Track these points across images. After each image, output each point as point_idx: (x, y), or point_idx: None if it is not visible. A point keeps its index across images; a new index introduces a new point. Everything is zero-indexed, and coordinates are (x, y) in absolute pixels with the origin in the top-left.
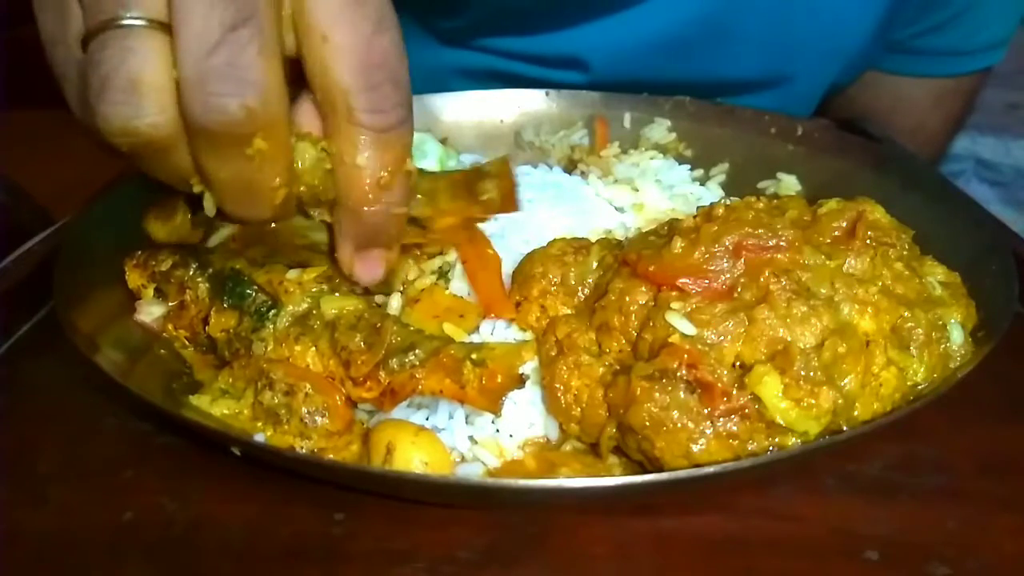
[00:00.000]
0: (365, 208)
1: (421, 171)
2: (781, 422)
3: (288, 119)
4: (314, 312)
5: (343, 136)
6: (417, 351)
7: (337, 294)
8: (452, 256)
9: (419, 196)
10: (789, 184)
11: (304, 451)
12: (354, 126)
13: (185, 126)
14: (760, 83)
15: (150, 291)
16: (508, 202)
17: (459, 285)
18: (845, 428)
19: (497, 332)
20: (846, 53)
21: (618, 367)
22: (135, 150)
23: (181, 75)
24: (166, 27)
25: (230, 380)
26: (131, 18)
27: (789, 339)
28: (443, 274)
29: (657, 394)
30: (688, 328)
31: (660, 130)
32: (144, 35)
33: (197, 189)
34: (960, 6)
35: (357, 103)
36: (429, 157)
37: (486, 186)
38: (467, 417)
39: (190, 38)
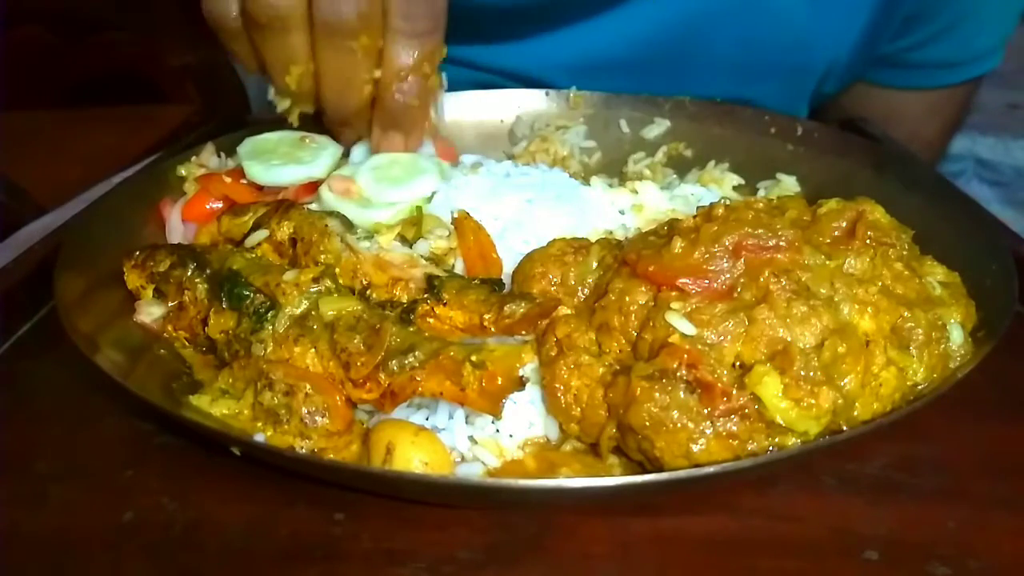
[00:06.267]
0: (387, 96)
1: (464, 278)
2: (781, 422)
3: (381, 25)
4: (313, 313)
5: (386, 37)
6: (417, 353)
7: (336, 295)
8: (453, 258)
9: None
10: (789, 184)
11: (304, 451)
12: (390, 30)
13: (310, 18)
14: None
15: (149, 291)
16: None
17: None
18: (845, 428)
19: None
20: (813, 70)
21: (618, 367)
22: (271, 23)
23: None
24: None
25: (230, 380)
26: None
27: (789, 339)
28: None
29: (657, 394)
30: (688, 328)
31: (660, 130)
32: None
33: (291, 77)
34: (950, 19)
35: (394, 10)
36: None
37: (514, 306)
38: (467, 417)
39: None
